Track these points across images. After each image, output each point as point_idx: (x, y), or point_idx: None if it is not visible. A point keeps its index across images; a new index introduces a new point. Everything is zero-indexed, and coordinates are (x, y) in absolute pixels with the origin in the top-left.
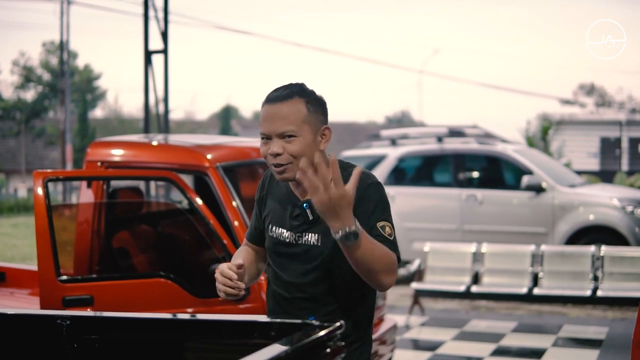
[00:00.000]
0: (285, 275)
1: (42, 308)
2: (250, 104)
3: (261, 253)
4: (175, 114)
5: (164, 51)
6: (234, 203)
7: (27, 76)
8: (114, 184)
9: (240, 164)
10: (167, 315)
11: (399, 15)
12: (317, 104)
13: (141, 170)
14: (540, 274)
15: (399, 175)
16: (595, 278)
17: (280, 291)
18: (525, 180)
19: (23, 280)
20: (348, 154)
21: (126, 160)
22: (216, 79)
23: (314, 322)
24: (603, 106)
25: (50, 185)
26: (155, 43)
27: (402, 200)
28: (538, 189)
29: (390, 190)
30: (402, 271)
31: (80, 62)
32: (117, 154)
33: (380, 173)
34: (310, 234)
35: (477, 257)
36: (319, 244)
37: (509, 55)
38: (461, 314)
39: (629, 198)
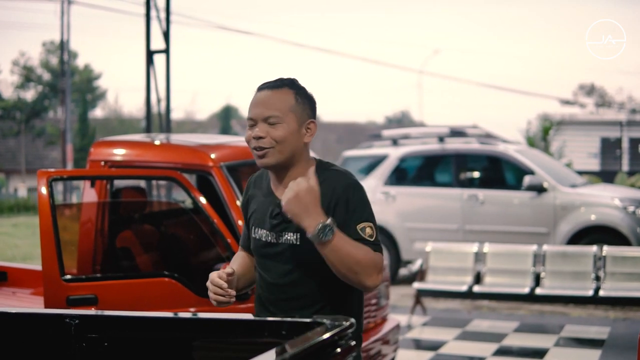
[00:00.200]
0: (268, 276)
1: (46, 307)
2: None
3: None
4: (176, 114)
5: (166, 51)
6: (237, 202)
7: (27, 76)
8: (117, 183)
9: (244, 164)
10: (177, 314)
11: (399, 15)
12: (305, 98)
13: (145, 169)
14: (542, 274)
15: (401, 175)
16: (597, 278)
17: (265, 294)
18: (527, 180)
19: (25, 280)
20: (349, 153)
21: (129, 159)
22: (216, 79)
23: (324, 320)
24: (603, 106)
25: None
26: (157, 43)
27: (404, 200)
28: (540, 189)
29: (392, 190)
30: (403, 271)
31: (80, 62)
32: (120, 153)
33: (382, 173)
34: (289, 233)
35: (479, 257)
36: (299, 242)
37: (509, 55)
38: (463, 314)
39: (631, 198)
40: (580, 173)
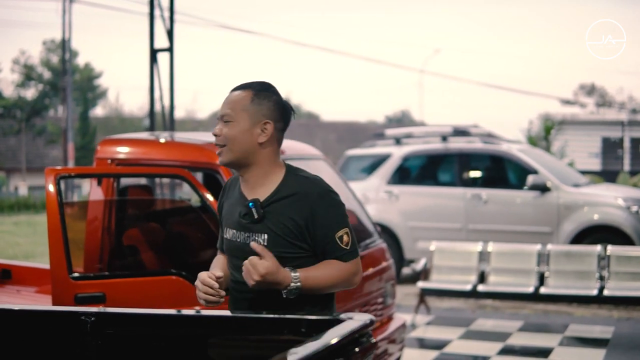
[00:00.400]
0: (238, 275)
1: (54, 305)
2: None
3: None
4: (177, 113)
5: (170, 49)
6: None
7: (28, 74)
8: (124, 181)
9: None
10: (194, 312)
11: (400, 15)
12: (264, 99)
13: (153, 167)
14: (547, 274)
15: (404, 174)
16: (601, 278)
17: (236, 294)
18: (531, 179)
19: (29, 278)
20: (352, 152)
21: (136, 157)
22: (217, 78)
23: (345, 317)
24: (603, 106)
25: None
26: (159, 42)
27: (407, 199)
28: (543, 189)
29: (395, 189)
30: (406, 270)
31: (80, 61)
32: (127, 151)
33: (385, 172)
34: (257, 234)
35: (483, 256)
36: (266, 244)
37: (509, 55)
38: (467, 313)
39: (634, 198)
40: (582, 173)
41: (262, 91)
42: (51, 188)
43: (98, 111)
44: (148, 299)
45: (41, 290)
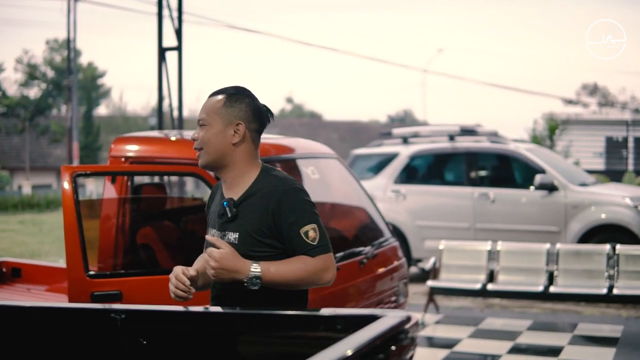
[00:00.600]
0: None
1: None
2: None
3: None
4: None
5: (178, 48)
6: None
7: (31, 74)
8: (137, 179)
9: (267, 160)
10: (226, 309)
11: (404, 14)
12: (236, 102)
13: (167, 165)
14: (556, 272)
15: (411, 173)
16: (610, 277)
17: (214, 292)
18: (538, 179)
19: (38, 277)
20: (359, 152)
21: (150, 155)
22: (220, 77)
23: (382, 313)
24: (606, 106)
25: (54, 181)
26: (165, 41)
27: (414, 198)
28: (550, 188)
29: (402, 189)
30: (413, 269)
31: (83, 60)
32: (141, 149)
33: (392, 171)
34: (230, 233)
35: (492, 255)
36: (237, 242)
37: (512, 55)
38: (476, 312)
39: None
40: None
41: (235, 94)
42: (67, 186)
43: (101, 110)
44: (165, 297)
45: (52, 288)
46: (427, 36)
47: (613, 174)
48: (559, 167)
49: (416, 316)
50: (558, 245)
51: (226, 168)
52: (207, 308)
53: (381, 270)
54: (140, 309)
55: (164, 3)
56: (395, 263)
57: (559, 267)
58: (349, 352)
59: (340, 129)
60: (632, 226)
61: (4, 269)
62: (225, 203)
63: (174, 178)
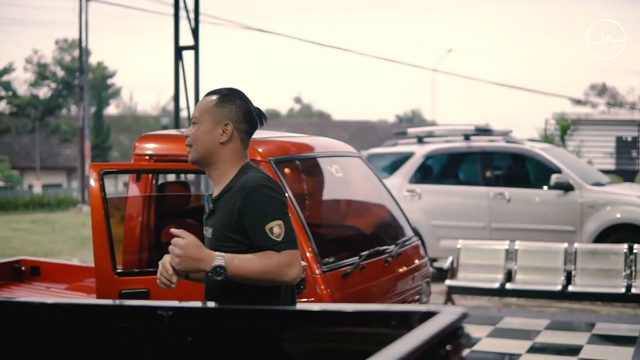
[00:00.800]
0: None
1: None
2: (263, 102)
3: None
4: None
5: (195, 47)
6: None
7: (41, 73)
8: (161, 178)
9: (292, 158)
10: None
11: (413, 14)
12: (227, 102)
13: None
14: (574, 272)
15: (426, 172)
16: (627, 276)
17: (206, 285)
18: (554, 178)
19: (57, 275)
20: (374, 151)
21: (174, 153)
22: (229, 77)
23: (436, 309)
24: (615, 106)
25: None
26: (182, 40)
27: (429, 197)
28: (566, 188)
29: (417, 188)
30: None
31: (93, 60)
32: (165, 147)
33: (407, 171)
34: (208, 228)
35: (510, 254)
36: (211, 237)
37: (521, 55)
38: (493, 312)
39: None
40: None
41: (227, 95)
42: (95, 184)
43: (111, 110)
44: (192, 295)
45: (71, 287)
46: (436, 36)
47: (624, 174)
48: (574, 167)
49: (463, 312)
50: (576, 245)
51: (213, 165)
52: (253, 306)
53: (404, 269)
54: (187, 306)
55: (181, 4)
56: (418, 262)
57: (576, 266)
58: (412, 349)
59: (349, 129)
60: None
61: (23, 268)
62: (205, 199)
63: (190, 176)
